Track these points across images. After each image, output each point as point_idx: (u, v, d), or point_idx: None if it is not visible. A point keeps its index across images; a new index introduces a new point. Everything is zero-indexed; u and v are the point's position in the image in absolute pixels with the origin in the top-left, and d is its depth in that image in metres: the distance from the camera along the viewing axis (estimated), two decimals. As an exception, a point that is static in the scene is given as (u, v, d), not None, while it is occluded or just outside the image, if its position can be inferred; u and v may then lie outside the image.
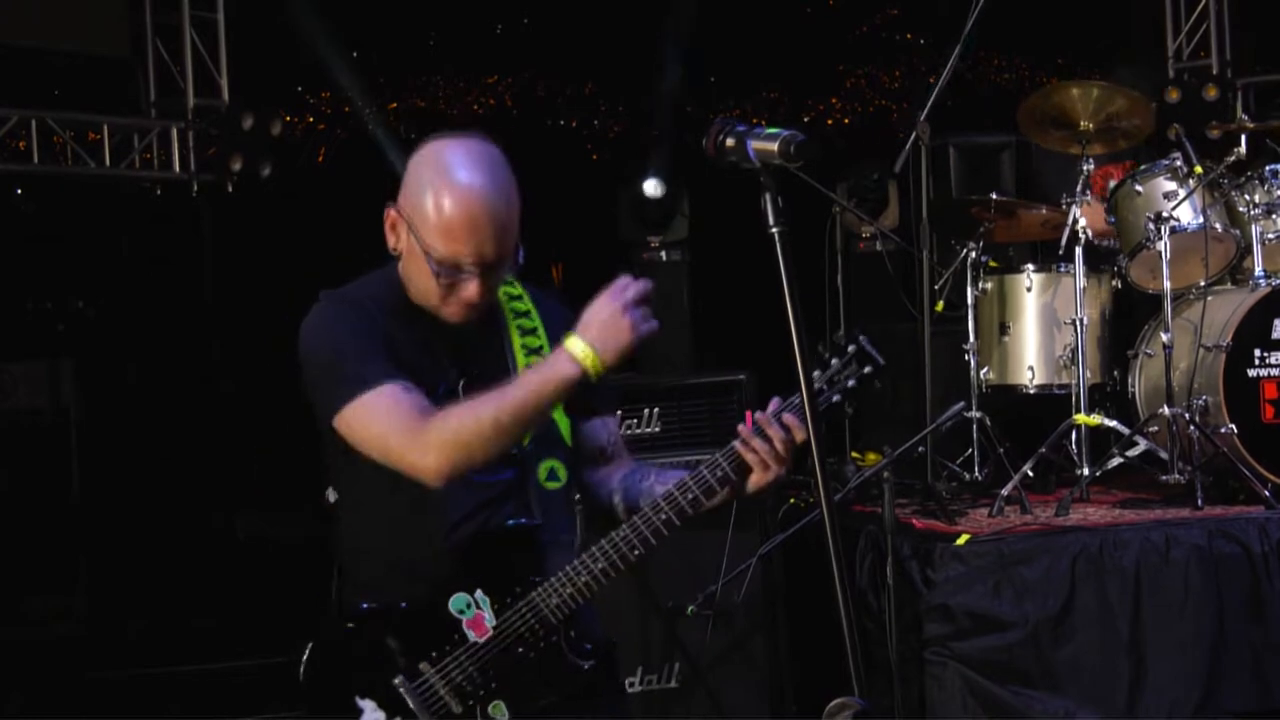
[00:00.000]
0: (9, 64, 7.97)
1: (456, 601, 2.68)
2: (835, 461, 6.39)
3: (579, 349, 2.58)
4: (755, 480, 2.68)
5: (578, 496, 2.94)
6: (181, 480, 8.50)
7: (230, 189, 8.32)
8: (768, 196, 2.33)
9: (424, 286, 2.68)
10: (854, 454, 6.66)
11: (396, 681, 2.66)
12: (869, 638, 4.71)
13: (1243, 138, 5.73)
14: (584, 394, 2.77)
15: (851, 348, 2.73)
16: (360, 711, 2.68)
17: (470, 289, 2.65)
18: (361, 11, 9.68)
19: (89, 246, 9.14)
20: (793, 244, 2.33)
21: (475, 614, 2.68)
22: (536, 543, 2.73)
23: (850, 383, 2.71)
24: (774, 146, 2.32)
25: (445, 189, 2.61)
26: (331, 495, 6.07)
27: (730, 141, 2.39)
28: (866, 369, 2.72)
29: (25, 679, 6.37)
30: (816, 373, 2.70)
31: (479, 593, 2.68)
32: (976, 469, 5.96)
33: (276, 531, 8.32)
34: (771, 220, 2.32)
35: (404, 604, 2.70)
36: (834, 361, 2.72)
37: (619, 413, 3.01)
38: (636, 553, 2.66)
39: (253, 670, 6.44)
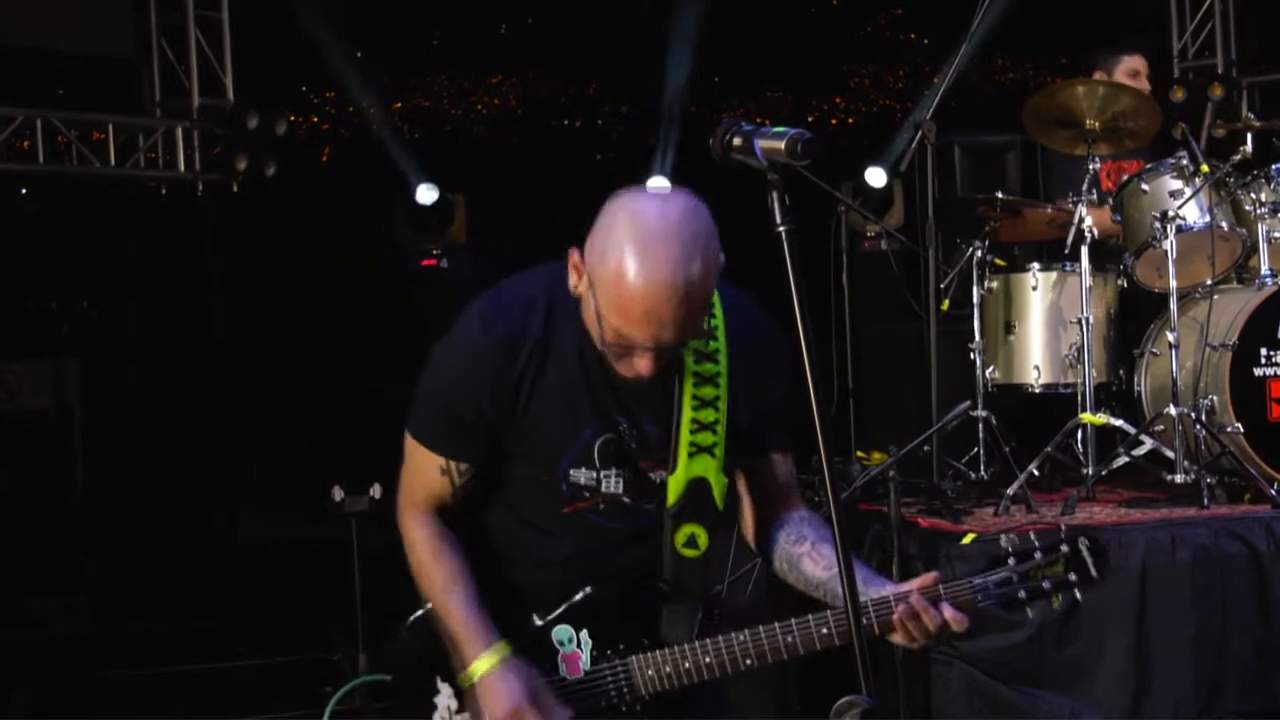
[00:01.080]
0: (14, 64, 7.97)
1: (560, 632, 2.64)
2: (841, 460, 6.39)
3: (475, 670, 2.56)
4: (895, 639, 2.55)
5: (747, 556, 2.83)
6: (185, 480, 8.51)
7: (235, 188, 8.32)
8: (775, 195, 2.31)
9: (599, 341, 2.51)
10: (859, 453, 6.65)
11: (467, 676, 2.64)
12: (874, 638, 4.69)
13: (1249, 136, 5.70)
14: (757, 431, 2.70)
15: (1065, 548, 2.47)
16: (437, 691, 2.69)
17: (642, 365, 2.48)
18: (366, 12, 9.68)
19: (93, 246, 9.15)
20: (799, 243, 2.31)
21: (573, 651, 2.63)
22: (656, 606, 2.64)
23: (1045, 584, 2.47)
24: (781, 145, 2.31)
25: (631, 261, 2.39)
26: (338, 494, 6.09)
27: (737, 141, 2.37)
28: (1072, 575, 2.46)
29: (29, 678, 6.37)
30: (1011, 560, 2.48)
31: (584, 633, 2.63)
32: (982, 468, 5.94)
33: (278, 532, 8.32)
34: (779, 219, 2.30)
35: (510, 612, 2.66)
36: (1037, 555, 2.48)
37: (790, 448, 2.80)
38: (749, 663, 2.57)
39: (255, 670, 6.45)
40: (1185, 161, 5.68)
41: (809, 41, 11.36)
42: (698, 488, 2.63)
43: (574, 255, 2.51)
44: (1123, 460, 5.60)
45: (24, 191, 9.04)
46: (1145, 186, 5.72)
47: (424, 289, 8.33)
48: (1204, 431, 5.37)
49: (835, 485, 2.30)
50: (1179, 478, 5.35)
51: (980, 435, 5.93)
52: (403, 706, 2.74)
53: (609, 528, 2.65)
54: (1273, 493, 5.19)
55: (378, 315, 9.05)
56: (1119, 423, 5.66)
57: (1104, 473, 5.58)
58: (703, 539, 2.65)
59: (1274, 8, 8.87)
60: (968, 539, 4.84)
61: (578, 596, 2.63)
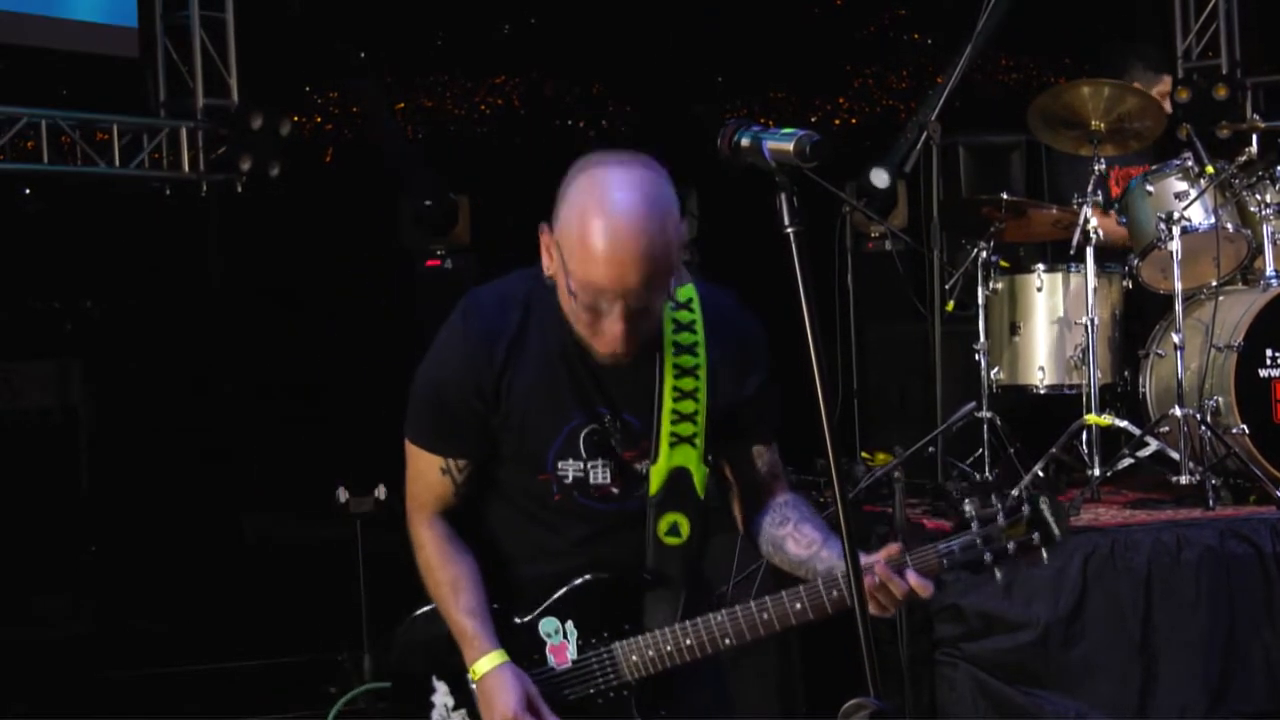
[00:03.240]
0: (18, 64, 7.98)
1: (547, 624, 2.69)
2: (845, 461, 6.38)
3: (478, 669, 2.62)
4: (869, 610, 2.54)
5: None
6: (189, 480, 8.51)
7: (239, 189, 8.33)
8: (783, 197, 2.30)
9: (571, 315, 2.55)
10: (864, 454, 6.65)
11: (470, 675, 2.68)
12: (879, 638, 4.68)
13: (1254, 137, 5.69)
14: (739, 424, 2.75)
15: (1026, 508, 2.50)
16: (434, 690, 2.74)
17: (614, 325, 2.49)
18: (369, 12, 9.68)
19: (97, 247, 9.15)
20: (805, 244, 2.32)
21: (560, 642, 2.68)
22: (639, 594, 2.69)
23: (1010, 546, 2.50)
24: (789, 147, 2.30)
25: (592, 209, 2.46)
26: (343, 495, 6.09)
27: (745, 142, 2.36)
28: (1035, 536, 2.49)
29: (34, 678, 6.38)
30: (975, 524, 2.51)
31: (569, 623, 2.69)
32: (987, 469, 5.94)
33: (283, 532, 8.33)
34: (786, 221, 2.30)
35: (495, 606, 2.70)
36: (1000, 518, 2.51)
37: (773, 440, 2.84)
38: (728, 642, 2.60)
39: (259, 670, 6.45)
40: (1190, 163, 5.68)
41: (812, 42, 11.35)
42: (679, 477, 2.68)
43: (543, 232, 2.56)
44: (1128, 461, 5.61)
45: (27, 191, 9.03)
46: (1150, 188, 5.72)
47: (428, 289, 8.33)
48: (1209, 433, 5.37)
49: (843, 487, 2.30)
50: (1184, 479, 5.35)
51: (985, 436, 5.93)
52: (401, 706, 2.79)
53: (600, 511, 2.69)
54: (1278, 494, 5.19)
55: (382, 316, 9.05)
56: (1124, 424, 5.66)
57: (1109, 474, 5.59)
58: (685, 527, 2.70)
59: (1278, 7, 8.86)
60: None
61: (561, 591, 2.69)
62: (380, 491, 5.75)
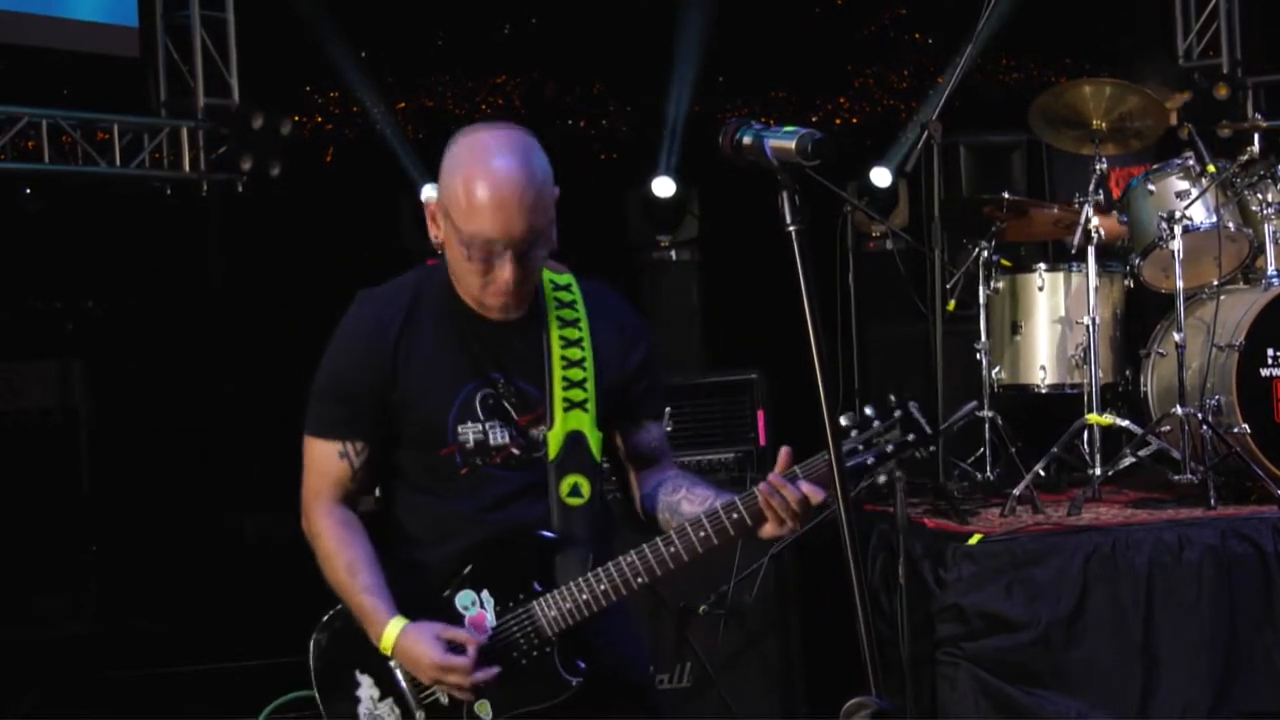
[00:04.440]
0: (18, 64, 7.97)
1: (462, 598, 2.76)
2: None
3: (389, 637, 2.69)
4: (768, 531, 2.68)
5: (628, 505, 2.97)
6: (190, 480, 8.50)
7: (240, 189, 8.32)
8: (785, 195, 2.32)
9: (464, 276, 2.72)
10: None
11: (393, 663, 2.75)
12: (881, 638, 4.69)
13: (1256, 137, 5.69)
14: (627, 399, 2.88)
15: (898, 412, 2.64)
16: (358, 684, 2.80)
17: (504, 272, 2.67)
18: (370, 12, 9.68)
19: (98, 246, 9.13)
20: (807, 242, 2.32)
21: (478, 613, 2.75)
22: (548, 554, 2.77)
23: (889, 447, 2.63)
24: (791, 145, 2.31)
25: (474, 170, 2.65)
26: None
27: (747, 140, 2.38)
28: (910, 436, 2.63)
29: (36, 678, 6.37)
30: (854, 432, 2.64)
31: (485, 593, 2.76)
32: (988, 469, 5.94)
33: (285, 531, 8.31)
34: (789, 219, 2.31)
35: (411, 590, 2.76)
36: (876, 423, 2.65)
37: (664, 416, 3.05)
38: (640, 580, 2.70)
39: (260, 670, 6.45)
40: (1192, 162, 5.68)
41: (813, 41, 11.34)
42: (575, 440, 2.80)
43: (429, 205, 2.76)
44: (1129, 461, 5.61)
45: (28, 191, 9.03)
46: (1152, 187, 5.72)
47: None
48: (1210, 432, 5.37)
49: (845, 487, 2.30)
50: (1185, 478, 5.36)
51: (986, 436, 5.93)
52: (328, 707, 2.84)
53: (504, 477, 2.78)
54: (1279, 493, 5.19)
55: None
56: (1125, 423, 5.67)
57: (1110, 473, 5.59)
58: (585, 488, 2.81)
59: (1279, 7, 8.86)
60: (974, 540, 4.84)
61: (470, 566, 2.76)
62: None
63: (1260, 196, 5.62)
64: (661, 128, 8.72)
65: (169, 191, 8.42)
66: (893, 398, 2.67)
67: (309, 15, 8.31)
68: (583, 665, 2.75)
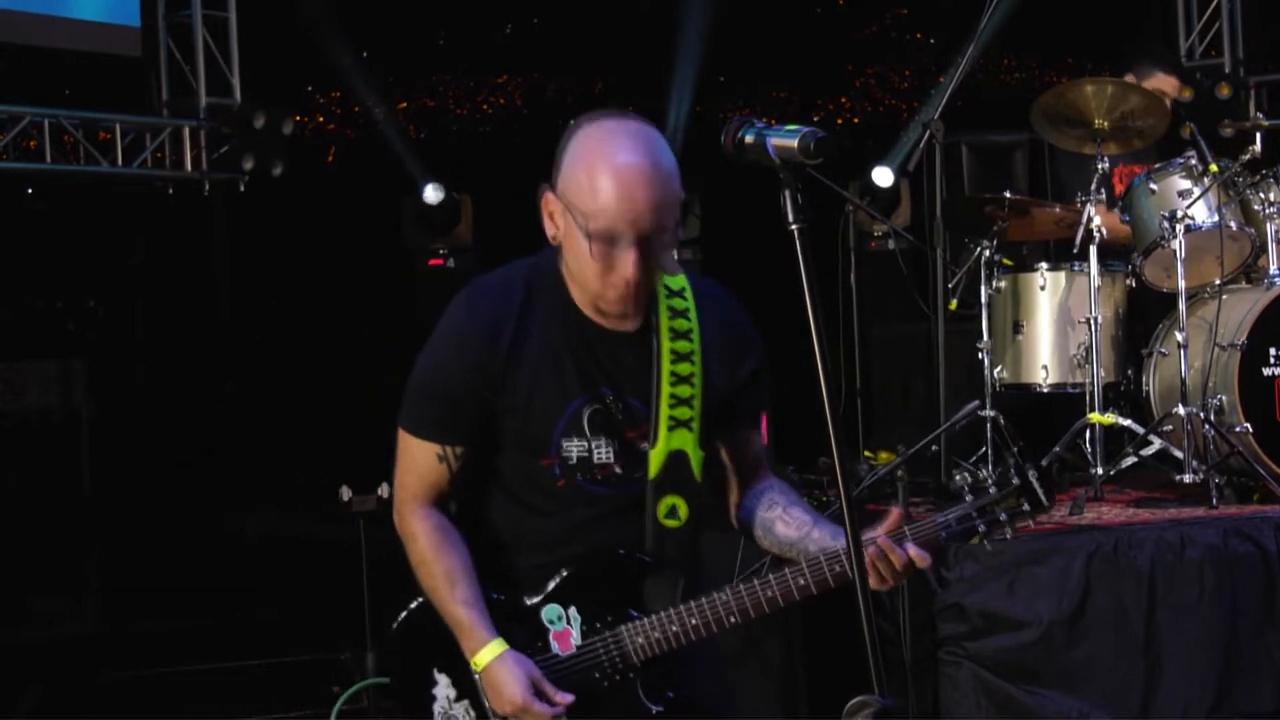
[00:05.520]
0: (20, 63, 7.98)
1: (549, 611, 2.70)
2: (849, 459, 6.37)
3: (485, 656, 2.62)
4: (869, 584, 2.57)
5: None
6: (192, 480, 8.50)
7: (242, 188, 8.33)
8: (787, 193, 2.31)
9: (582, 273, 2.62)
10: (867, 453, 6.65)
11: (472, 666, 2.67)
12: (882, 637, 4.65)
13: (1258, 136, 5.69)
14: (732, 410, 2.80)
15: (1016, 480, 2.58)
16: (435, 683, 2.74)
17: (627, 264, 2.57)
18: (371, 12, 9.68)
19: (100, 246, 9.14)
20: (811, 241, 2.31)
21: (564, 628, 2.69)
22: (640, 577, 2.70)
23: (1002, 516, 2.58)
24: (794, 143, 2.31)
25: (601, 158, 2.57)
26: (345, 493, 6.09)
27: (750, 139, 2.37)
28: (1025, 505, 2.57)
29: (36, 678, 6.37)
30: (969, 497, 2.60)
31: (572, 609, 2.70)
32: (990, 467, 5.94)
33: (286, 532, 8.32)
34: (791, 217, 2.30)
35: (496, 596, 2.70)
36: (992, 490, 2.59)
37: (763, 425, 2.94)
38: (733, 619, 2.63)
39: (262, 670, 6.45)
40: (1194, 161, 5.67)
41: (814, 41, 11.35)
42: (677, 460, 2.71)
43: (546, 198, 2.65)
44: (1131, 460, 5.60)
45: (29, 191, 9.03)
46: (1154, 186, 5.71)
47: (431, 288, 8.34)
48: (1213, 431, 5.36)
49: (848, 483, 2.29)
50: (1188, 478, 5.35)
51: (988, 435, 5.92)
52: (402, 702, 2.79)
53: (602, 496, 2.71)
54: (1281, 492, 5.19)
55: (384, 314, 9.04)
56: (1127, 423, 5.66)
57: (1112, 473, 5.58)
58: (683, 510, 2.73)
59: (1280, 7, 8.87)
60: (975, 539, 4.83)
61: (559, 577, 2.70)
62: (383, 490, 5.76)
63: (1262, 195, 5.61)
64: (662, 128, 8.72)
65: (171, 191, 8.43)
66: (1012, 463, 2.60)
67: (311, 16, 8.31)
68: (671, 695, 2.68)
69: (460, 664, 2.69)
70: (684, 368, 2.72)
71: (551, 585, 2.70)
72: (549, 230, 2.66)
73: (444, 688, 2.73)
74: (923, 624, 4.72)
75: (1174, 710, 4.66)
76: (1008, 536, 2.63)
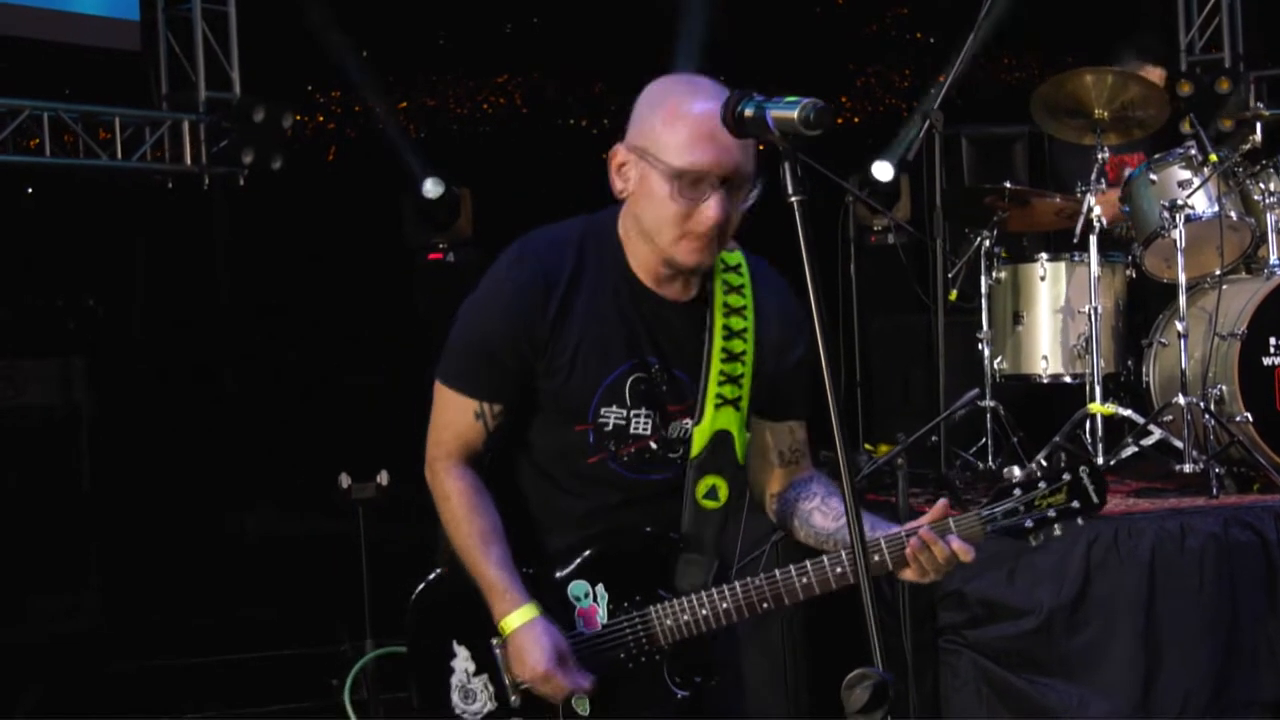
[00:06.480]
0: (20, 57, 7.98)
1: (576, 588, 2.65)
2: (849, 450, 6.35)
3: (515, 620, 2.56)
4: (907, 576, 2.57)
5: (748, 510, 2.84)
6: (192, 477, 8.51)
7: (242, 182, 8.33)
8: (786, 165, 2.28)
9: (658, 222, 2.54)
10: (867, 444, 6.64)
11: (495, 642, 2.63)
12: (883, 626, 4.67)
13: (1258, 126, 5.68)
14: (777, 398, 2.74)
15: (1067, 475, 2.51)
16: (454, 655, 2.68)
17: (710, 209, 2.50)
18: (372, 11, 9.69)
19: (99, 242, 9.15)
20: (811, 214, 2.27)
21: (590, 606, 2.64)
22: (673, 557, 2.65)
23: (1050, 512, 2.51)
24: (794, 114, 2.30)
25: (683, 103, 2.52)
26: (345, 481, 6.07)
27: (749, 112, 2.35)
28: (1075, 503, 2.50)
29: (37, 676, 6.37)
30: (1017, 491, 2.52)
31: (600, 587, 2.64)
32: (990, 458, 5.93)
33: (286, 526, 8.32)
34: (791, 189, 2.27)
35: (527, 570, 2.64)
36: (1042, 484, 2.52)
37: (805, 417, 2.86)
38: (766, 606, 2.57)
39: (263, 662, 6.44)
40: (1194, 151, 5.67)
41: (814, 41, 11.36)
42: (721, 440, 2.65)
43: (615, 153, 2.59)
44: (1131, 450, 5.59)
45: (29, 191, 9.04)
46: (1154, 176, 5.71)
47: (430, 282, 8.34)
48: (1213, 421, 5.36)
49: (852, 474, 2.28)
50: (1188, 467, 5.35)
51: (988, 425, 5.92)
52: (420, 673, 2.73)
53: (629, 480, 2.64)
54: (1281, 481, 5.19)
55: (384, 308, 9.05)
56: (1127, 413, 5.65)
57: (1112, 463, 5.57)
58: (723, 491, 2.68)
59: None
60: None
61: (588, 552, 2.64)
62: (383, 477, 5.75)
63: (1262, 185, 5.61)
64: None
65: (170, 185, 8.42)
66: (1066, 458, 2.55)
67: (311, 15, 8.32)
68: (698, 680, 2.63)
69: (481, 638, 2.63)
70: (736, 345, 2.65)
71: (578, 561, 2.64)
72: (616, 185, 2.60)
73: (463, 660, 2.67)
74: (923, 613, 4.71)
75: (1174, 698, 4.65)
76: (1056, 533, 2.54)
